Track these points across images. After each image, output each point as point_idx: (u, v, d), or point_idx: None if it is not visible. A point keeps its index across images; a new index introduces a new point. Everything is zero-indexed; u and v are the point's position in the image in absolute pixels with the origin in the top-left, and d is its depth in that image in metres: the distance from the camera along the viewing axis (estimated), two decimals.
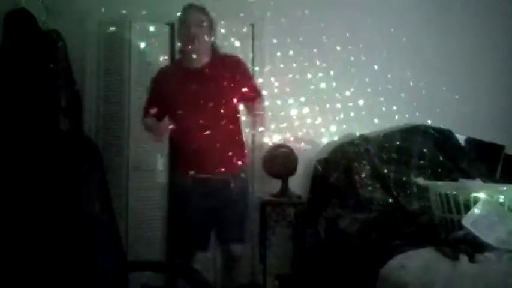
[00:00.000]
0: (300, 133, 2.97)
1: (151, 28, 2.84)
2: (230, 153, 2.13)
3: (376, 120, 3.07)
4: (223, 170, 2.10)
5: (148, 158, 2.81)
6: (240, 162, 2.17)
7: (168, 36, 2.87)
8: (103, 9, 2.81)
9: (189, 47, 2.08)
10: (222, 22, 2.85)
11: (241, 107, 2.27)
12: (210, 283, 1.44)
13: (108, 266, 1.26)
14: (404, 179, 2.81)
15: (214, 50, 2.19)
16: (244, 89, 2.16)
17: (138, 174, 2.76)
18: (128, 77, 2.78)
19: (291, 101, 2.94)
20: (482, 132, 3.08)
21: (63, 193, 1.20)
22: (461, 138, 3.07)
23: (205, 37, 2.11)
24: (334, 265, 2.31)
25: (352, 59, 3.02)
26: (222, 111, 2.09)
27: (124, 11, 2.81)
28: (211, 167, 2.10)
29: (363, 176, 2.80)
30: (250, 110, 2.23)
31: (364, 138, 2.97)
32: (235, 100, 2.15)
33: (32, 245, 1.15)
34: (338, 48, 3.00)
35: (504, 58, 3.24)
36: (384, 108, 3.07)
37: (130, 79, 2.78)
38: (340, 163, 2.87)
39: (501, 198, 1.94)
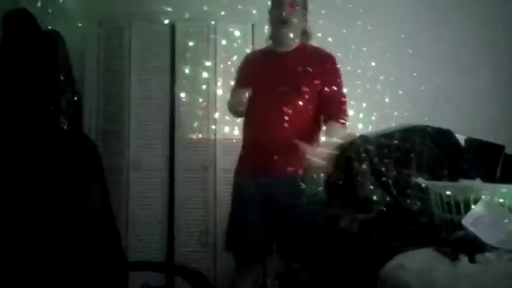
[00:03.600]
0: None
1: (152, 28, 2.84)
2: (294, 154, 1.90)
3: (376, 120, 3.07)
4: (289, 169, 1.91)
5: (149, 158, 2.82)
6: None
7: (169, 37, 2.87)
8: (103, 10, 2.81)
9: (280, 29, 1.99)
10: (222, 22, 2.85)
11: None
12: (210, 283, 1.44)
13: (108, 266, 1.26)
14: (404, 179, 2.81)
15: (305, 37, 2.09)
16: (327, 90, 1.99)
17: (138, 174, 2.77)
18: (128, 77, 2.78)
19: None
20: (482, 132, 3.08)
21: (63, 193, 1.20)
22: (461, 138, 3.06)
23: (297, 20, 2.01)
24: (334, 265, 2.31)
25: (351, 58, 3.02)
26: (301, 101, 1.95)
27: (124, 11, 2.81)
28: (277, 163, 1.91)
29: (363, 176, 2.80)
30: (326, 129, 2.04)
31: (364, 138, 2.97)
32: (311, 97, 1.98)
33: (32, 245, 1.15)
34: (337, 48, 3.00)
35: (504, 58, 3.24)
36: (383, 108, 3.07)
37: (130, 79, 2.78)
38: (340, 163, 2.87)
39: (501, 199, 1.94)
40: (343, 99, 2.12)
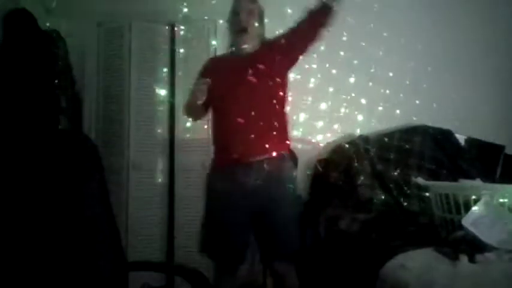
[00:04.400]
0: (300, 133, 2.97)
1: (151, 28, 2.84)
2: (270, 138, 1.97)
3: (376, 120, 3.07)
4: (262, 153, 1.94)
5: (148, 158, 2.82)
6: (281, 149, 2.01)
7: (168, 36, 2.87)
8: (103, 9, 2.81)
9: (240, 37, 2.05)
10: (221, 21, 2.85)
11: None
12: (210, 283, 1.44)
13: (108, 266, 1.26)
14: (404, 179, 2.81)
15: (263, 38, 2.14)
16: (285, 47, 2.02)
17: (138, 174, 2.77)
18: (127, 77, 2.78)
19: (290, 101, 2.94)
20: (482, 132, 3.08)
21: (63, 193, 1.20)
22: (461, 138, 3.07)
23: (256, 26, 2.08)
24: (334, 265, 2.31)
25: (351, 59, 3.02)
26: (269, 95, 2.01)
27: (124, 11, 2.81)
28: (252, 150, 1.94)
29: (362, 176, 2.80)
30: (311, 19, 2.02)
31: (364, 138, 2.97)
32: (283, 87, 2.06)
33: (32, 245, 1.15)
34: (337, 49, 3.00)
35: (504, 58, 3.24)
36: (384, 108, 3.07)
37: (130, 79, 2.78)
38: (340, 163, 2.87)
39: (501, 198, 1.94)
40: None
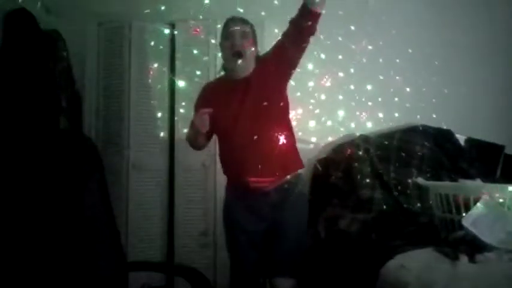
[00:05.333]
0: (300, 133, 2.96)
1: (151, 28, 2.84)
2: (282, 161, 1.95)
3: (376, 120, 3.07)
4: (274, 178, 1.94)
5: (149, 158, 2.82)
6: (293, 170, 2.01)
7: (168, 36, 2.87)
8: (103, 9, 2.81)
9: (235, 62, 1.95)
10: (218, 26, 2.85)
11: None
12: (210, 283, 1.44)
13: (108, 266, 1.26)
14: (404, 179, 2.81)
15: (257, 58, 2.06)
16: (281, 63, 1.96)
17: (138, 174, 2.77)
18: (127, 77, 2.78)
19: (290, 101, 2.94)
20: (482, 132, 3.08)
21: (63, 193, 1.20)
22: (461, 138, 3.07)
23: (251, 49, 1.99)
24: (334, 265, 2.31)
25: (351, 60, 3.02)
26: (273, 117, 1.96)
27: (124, 11, 2.81)
28: (262, 178, 1.93)
29: (362, 176, 2.80)
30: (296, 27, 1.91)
31: (364, 138, 2.97)
32: (283, 96, 2.03)
33: (32, 245, 1.15)
34: (337, 49, 3.00)
35: (504, 58, 3.24)
36: (384, 108, 3.07)
37: (130, 79, 2.78)
38: (340, 163, 2.87)
39: (501, 198, 1.94)
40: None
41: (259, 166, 1.90)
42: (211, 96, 2.05)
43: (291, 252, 1.97)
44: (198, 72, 2.77)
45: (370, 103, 3.05)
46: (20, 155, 1.20)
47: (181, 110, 2.80)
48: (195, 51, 2.82)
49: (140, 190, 2.77)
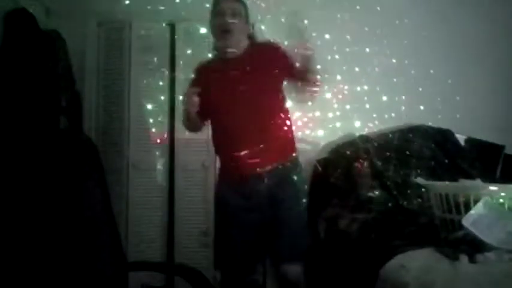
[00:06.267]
0: (299, 133, 2.97)
1: (151, 28, 2.84)
2: (277, 144, 1.92)
3: (376, 120, 3.07)
4: (270, 162, 1.89)
5: (149, 158, 2.82)
6: (289, 153, 1.98)
7: (168, 36, 2.87)
8: (103, 9, 2.81)
9: (224, 39, 1.91)
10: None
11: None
12: (210, 283, 1.44)
13: (108, 266, 1.26)
14: (404, 179, 2.81)
15: (251, 39, 2.03)
16: (287, 72, 1.96)
17: (138, 174, 2.76)
18: (127, 77, 2.78)
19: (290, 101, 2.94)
20: (482, 132, 3.08)
21: (63, 193, 1.20)
22: (461, 138, 3.07)
23: (242, 27, 1.94)
24: (333, 265, 2.31)
25: (351, 59, 3.02)
26: (264, 100, 1.92)
27: (124, 11, 2.81)
28: (256, 161, 1.88)
29: (363, 176, 2.80)
30: (298, 83, 1.97)
31: (364, 138, 2.97)
32: (278, 87, 1.99)
33: (32, 245, 1.15)
34: (337, 49, 3.00)
35: (504, 58, 3.24)
36: (383, 108, 3.07)
37: (130, 79, 2.78)
38: (340, 163, 2.87)
39: (501, 198, 1.94)
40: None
41: (256, 151, 1.87)
42: (204, 76, 2.02)
43: (295, 236, 1.92)
44: None
45: (370, 103, 3.06)
46: (20, 155, 1.20)
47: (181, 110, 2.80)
48: (195, 51, 2.82)
49: (140, 190, 2.77)
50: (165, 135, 2.85)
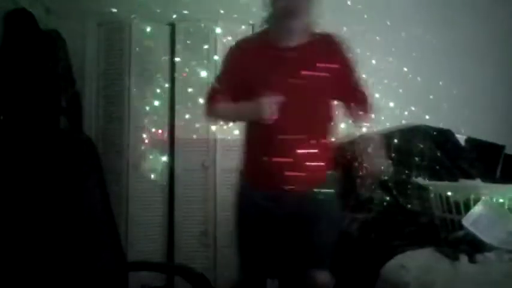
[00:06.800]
0: None
1: (151, 28, 2.84)
2: (318, 162, 1.65)
3: (376, 120, 3.06)
4: (306, 182, 1.64)
5: (148, 158, 2.82)
6: (326, 171, 1.72)
7: (168, 36, 2.87)
8: (103, 9, 2.81)
9: (289, 22, 1.60)
10: (222, 21, 2.85)
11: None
12: (211, 283, 1.44)
13: (108, 266, 1.26)
14: (404, 179, 2.81)
15: (311, 29, 1.71)
16: (344, 82, 1.71)
17: (138, 174, 2.77)
18: (127, 77, 2.78)
19: None
20: (482, 132, 3.08)
21: (63, 193, 1.20)
22: (461, 138, 3.06)
23: (308, 11, 1.63)
24: (333, 265, 2.30)
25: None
26: (321, 104, 1.69)
27: (124, 11, 2.81)
28: (297, 175, 1.61)
29: (363, 176, 2.80)
30: (352, 115, 1.81)
31: (364, 138, 2.97)
32: (332, 92, 1.71)
33: (31, 245, 1.15)
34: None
35: (504, 58, 3.24)
36: (383, 108, 3.06)
37: (130, 79, 2.78)
38: (340, 163, 2.87)
39: (501, 198, 1.94)
40: (361, 82, 1.83)
41: (301, 164, 1.61)
42: (247, 59, 1.69)
43: (327, 243, 1.70)
44: (197, 72, 2.78)
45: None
46: (20, 154, 1.20)
47: (181, 110, 2.80)
48: (195, 51, 2.82)
49: (140, 190, 2.77)
50: (165, 136, 2.85)
